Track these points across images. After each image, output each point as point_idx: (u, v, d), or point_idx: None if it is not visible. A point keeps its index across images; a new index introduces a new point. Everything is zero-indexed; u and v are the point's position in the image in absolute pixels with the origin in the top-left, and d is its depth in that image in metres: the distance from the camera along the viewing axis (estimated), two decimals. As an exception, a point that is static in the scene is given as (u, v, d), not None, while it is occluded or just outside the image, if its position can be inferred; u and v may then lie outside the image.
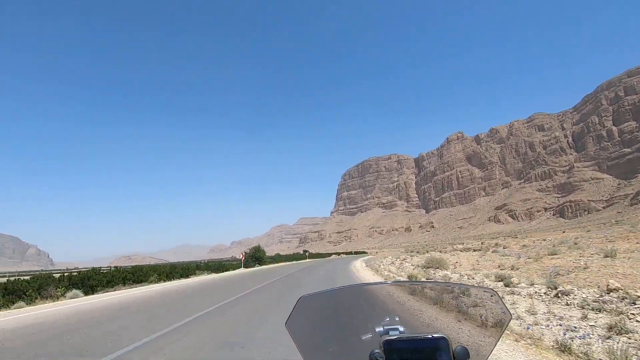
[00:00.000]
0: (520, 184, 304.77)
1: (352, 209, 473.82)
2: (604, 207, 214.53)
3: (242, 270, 33.53)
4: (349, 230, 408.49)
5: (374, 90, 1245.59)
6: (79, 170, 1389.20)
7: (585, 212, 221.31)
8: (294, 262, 59.41)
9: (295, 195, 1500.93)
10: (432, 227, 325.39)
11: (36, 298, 13.14)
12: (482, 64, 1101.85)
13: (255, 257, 44.64)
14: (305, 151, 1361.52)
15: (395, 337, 1.23)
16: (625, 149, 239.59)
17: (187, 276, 24.21)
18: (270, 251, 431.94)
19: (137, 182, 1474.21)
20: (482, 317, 1.52)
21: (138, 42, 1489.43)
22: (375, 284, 1.61)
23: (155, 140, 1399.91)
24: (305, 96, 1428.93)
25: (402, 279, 16.76)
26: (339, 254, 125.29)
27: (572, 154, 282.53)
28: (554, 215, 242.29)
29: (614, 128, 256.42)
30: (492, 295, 1.44)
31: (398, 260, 35.81)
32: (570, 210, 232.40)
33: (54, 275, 16.31)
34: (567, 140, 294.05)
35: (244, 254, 46.02)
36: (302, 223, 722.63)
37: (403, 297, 1.64)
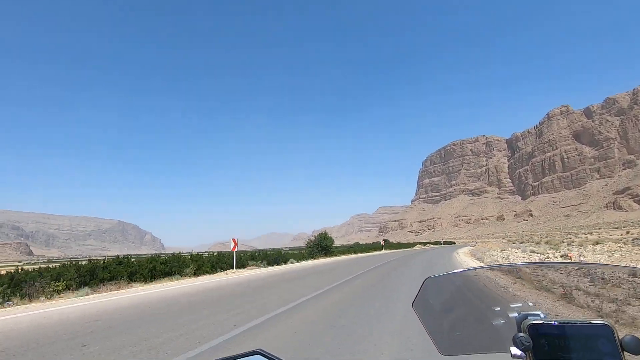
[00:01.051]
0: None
1: (435, 196, 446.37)
2: None
3: (303, 264, 28.69)
4: (432, 219, 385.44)
5: (459, 60, 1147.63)
6: (188, 167, 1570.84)
7: None
8: (371, 253, 49.92)
9: (375, 184, 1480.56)
10: (531, 215, 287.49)
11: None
12: (592, 22, 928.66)
13: (322, 246, 37.99)
14: (385, 136, 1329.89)
15: (543, 321, 1.04)
16: None
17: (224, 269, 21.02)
18: (349, 240, 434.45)
19: (234, 175, 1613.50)
20: (630, 301, 1.33)
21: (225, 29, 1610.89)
22: (506, 265, 1.49)
23: (247, 137, 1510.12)
24: (386, 74, 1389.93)
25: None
26: (424, 243, 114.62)
27: None
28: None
29: None
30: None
31: (532, 254, 25.17)
32: None
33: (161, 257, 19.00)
34: None
35: (308, 240, 40.20)
36: (381, 212, 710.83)
37: (536, 282, 1.46)
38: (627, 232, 53.86)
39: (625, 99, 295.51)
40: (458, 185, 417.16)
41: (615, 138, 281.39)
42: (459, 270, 1.40)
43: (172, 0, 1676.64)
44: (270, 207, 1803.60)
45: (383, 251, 57.45)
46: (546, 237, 73.85)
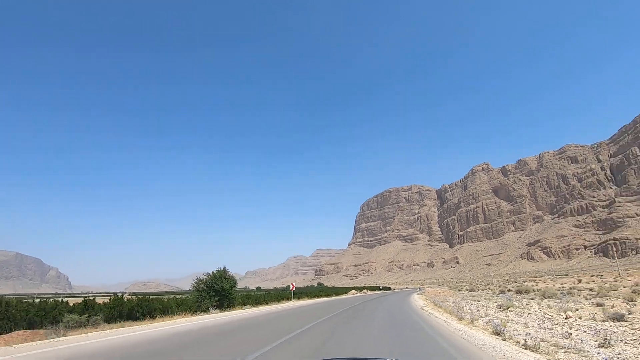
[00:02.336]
0: (553, 218, 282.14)
1: (370, 241, 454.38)
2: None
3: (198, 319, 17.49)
4: (367, 263, 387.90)
5: (395, 122, 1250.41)
6: (100, 197, 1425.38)
7: (633, 251, 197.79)
8: (286, 304, 32.69)
9: (313, 226, 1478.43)
10: (457, 262, 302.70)
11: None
12: (507, 94, 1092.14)
13: (215, 289, 23.27)
14: (324, 181, 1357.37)
15: None
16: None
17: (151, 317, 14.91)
18: (284, 283, 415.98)
19: (154, 209, 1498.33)
20: None
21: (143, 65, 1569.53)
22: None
23: (173, 169, 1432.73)
24: (326, 128, 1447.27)
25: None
26: (360, 288, 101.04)
27: (611, 188, 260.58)
28: (595, 253, 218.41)
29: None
30: None
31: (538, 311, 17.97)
32: (615, 249, 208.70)
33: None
34: (605, 173, 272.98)
35: (197, 281, 24.86)
36: (318, 254, 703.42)
37: None
38: (579, 281, 54.45)
39: (533, 162, 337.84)
40: (392, 231, 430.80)
41: (526, 195, 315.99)
42: (351, 358, 1.92)
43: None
44: (200, 246, 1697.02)
45: (300, 302, 35.87)
46: (498, 284, 74.13)
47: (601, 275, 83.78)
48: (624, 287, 34.22)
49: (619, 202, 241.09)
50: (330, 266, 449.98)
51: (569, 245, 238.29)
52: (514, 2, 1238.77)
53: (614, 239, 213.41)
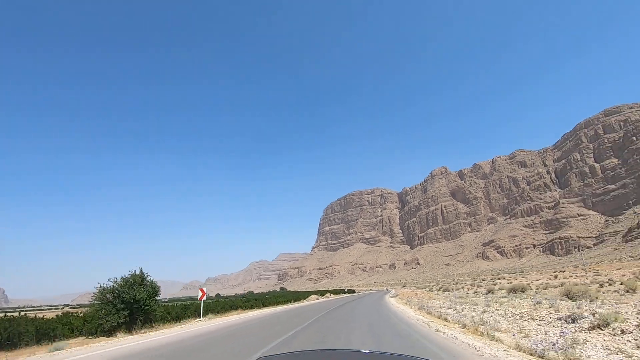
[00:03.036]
0: (506, 219, 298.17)
1: (334, 244, 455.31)
2: (594, 244, 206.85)
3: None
4: (331, 266, 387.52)
5: (359, 127, 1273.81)
6: (41, 202, 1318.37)
7: (576, 249, 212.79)
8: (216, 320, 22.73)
9: (276, 231, 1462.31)
10: (418, 263, 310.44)
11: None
12: (463, 100, 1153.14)
13: (125, 301, 16.39)
14: (287, 185, 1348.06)
15: None
16: (609, 186, 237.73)
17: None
18: (246, 288, 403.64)
19: (105, 214, 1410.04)
20: None
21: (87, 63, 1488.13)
22: (332, 350, 1.52)
23: (130, 171, 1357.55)
24: (290, 133, 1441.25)
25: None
26: (323, 292, 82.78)
27: (556, 190, 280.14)
28: (543, 252, 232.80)
29: (596, 165, 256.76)
30: None
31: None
32: (560, 247, 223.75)
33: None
34: (551, 177, 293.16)
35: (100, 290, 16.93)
36: (281, 259, 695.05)
37: None
38: (555, 277, 54.99)
39: (487, 166, 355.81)
40: (356, 234, 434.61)
41: (481, 197, 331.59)
42: (295, 352, 1.41)
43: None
44: (157, 253, 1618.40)
45: (239, 316, 24.67)
46: (460, 282, 73.86)
47: (584, 269, 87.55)
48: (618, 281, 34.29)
49: (563, 203, 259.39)
50: (294, 270, 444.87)
51: (520, 245, 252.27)
52: (468, 13, 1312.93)
53: (559, 237, 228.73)
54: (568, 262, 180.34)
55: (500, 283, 50.11)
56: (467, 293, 36.46)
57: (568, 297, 21.77)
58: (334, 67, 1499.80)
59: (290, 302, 45.78)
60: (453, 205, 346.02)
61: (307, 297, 60.16)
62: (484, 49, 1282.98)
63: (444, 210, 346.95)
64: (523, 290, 25.17)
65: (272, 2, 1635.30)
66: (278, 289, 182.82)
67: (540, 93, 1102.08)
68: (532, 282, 47.04)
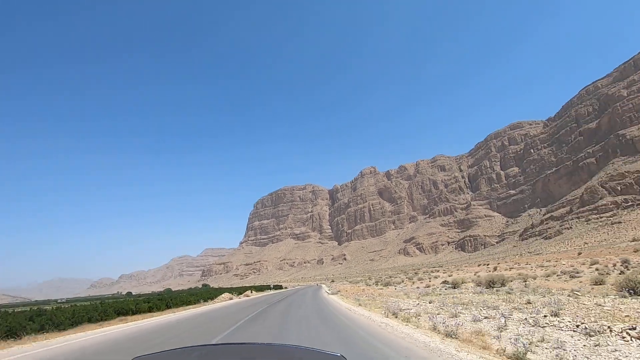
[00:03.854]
0: (425, 218, 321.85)
1: (263, 239, 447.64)
2: (497, 242, 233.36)
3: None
4: (259, 262, 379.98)
5: (291, 122, 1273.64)
6: None
7: (482, 246, 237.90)
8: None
9: (202, 224, 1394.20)
10: (345, 259, 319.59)
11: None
12: (392, 105, 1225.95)
13: None
14: (216, 179, 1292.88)
15: None
16: (510, 191, 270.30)
17: None
18: (165, 285, 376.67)
19: (9, 205, 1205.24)
20: None
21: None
22: (222, 345, 1.47)
23: (33, 165, 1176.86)
24: (218, 121, 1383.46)
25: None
26: (241, 290, 60.33)
27: (468, 193, 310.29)
28: (455, 248, 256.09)
29: (502, 172, 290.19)
30: None
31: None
32: (469, 245, 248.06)
33: None
34: (465, 181, 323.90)
35: None
36: (207, 254, 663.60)
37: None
38: (495, 268, 57.00)
39: (411, 168, 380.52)
40: (286, 229, 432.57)
41: (405, 197, 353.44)
42: (172, 350, 1.37)
43: None
44: (61, 251, 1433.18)
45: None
46: (377, 277, 74.33)
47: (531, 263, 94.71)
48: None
49: (473, 205, 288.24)
50: (220, 266, 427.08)
51: (436, 242, 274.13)
52: (398, 21, 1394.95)
53: (469, 236, 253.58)
54: (476, 257, 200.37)
55: (437, 276, 51.32)
56: (429, 287, 33.75)
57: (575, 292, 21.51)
58: (269, 66, 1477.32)
59: (188, 305, 31.63)
60: (380, 203, 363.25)
61: (218, 295, 44.22)
62: (411, 58, 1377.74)
63: (372, 208, 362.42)
64: (503, 283, 22.99)
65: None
66: (201, 286, 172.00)
67: (460, 103, 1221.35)
68: (468, 275, 49.01)
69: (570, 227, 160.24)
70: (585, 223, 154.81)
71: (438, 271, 78.44)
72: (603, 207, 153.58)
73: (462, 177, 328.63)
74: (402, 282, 48.80)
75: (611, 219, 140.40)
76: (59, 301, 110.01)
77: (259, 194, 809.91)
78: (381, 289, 36.64)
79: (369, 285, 45.31)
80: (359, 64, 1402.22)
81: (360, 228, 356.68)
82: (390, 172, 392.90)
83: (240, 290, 57.49)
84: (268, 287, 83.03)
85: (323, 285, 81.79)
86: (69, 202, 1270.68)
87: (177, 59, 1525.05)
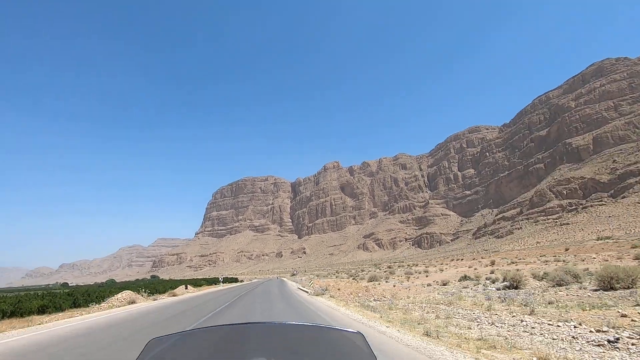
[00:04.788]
0: (385, 215, 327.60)
1: (220, 230, 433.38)
2: (451, 240, 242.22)
3: None
4: (215, 253, 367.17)
5: (254, 112, 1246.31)
6: None
7: (438, 244, 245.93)
8: None
9: (155, 213, 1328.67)
10: (304, 253, 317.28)
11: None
12: (355, 100, 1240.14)
13: None
14: (172, 167, 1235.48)
15: None
16: (466, 191, 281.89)
17: None
18: (112, 276, 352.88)
19: None
20: (348, 358, 1.51)
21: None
22: (244, 324, 1.55)
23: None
24: (180, 104, 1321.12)
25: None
26: (179, 284, 47.34)
27: (427, 192, 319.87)
28: (413, 245, 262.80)
29: (459, 173, 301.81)
30: (359, 338, 1.41)
31: None
32: (426, 242, 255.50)
33: None
34: (424, 180, 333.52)
35: None
36: (159, 244, 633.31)
37: (278, 339, 1.56)
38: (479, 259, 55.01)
39: (374, 165, 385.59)
40: (245, 221, 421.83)
41: (367, 193, 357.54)
42: (189, 330, 1.43)
43: None
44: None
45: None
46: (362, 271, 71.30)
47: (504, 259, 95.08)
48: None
49: (431, 204, 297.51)
50: (172, 257, 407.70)
51: (395, 238, 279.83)
52: (366, 14, 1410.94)
53: (426, 233, 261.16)
54: (433, 254, 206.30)
55: (426, 271, 48.59)
56: (445, 284, 26.31)
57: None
58: (233, 45, 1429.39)
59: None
60: (341, 198, 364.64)
61: (109, 296, 24.74)
62: (378, 54, 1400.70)
63: (333, 203, 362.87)
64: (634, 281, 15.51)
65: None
66: (149, 277, 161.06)
67: (423, 104, 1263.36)
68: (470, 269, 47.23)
69: (521, 228, 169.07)
70: (534, 224, 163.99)
71: (418, 265, 77.07)
72: (550, 209, 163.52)
73: (422, 176, 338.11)
74: (389, 277, 44.45)
75: (557, 220, 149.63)
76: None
77: (218, 184, 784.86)
78: (371, 284, 30.08)
79: (343, 280, 37.36)
80: (323, 55, 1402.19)
81: (321, 222, 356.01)
82: (353, 168, 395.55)
83: (172, 284, 42.81)
84: (216, 280, 67.37)
85: (286, 280, 70.80)
86: (6, 184, 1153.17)
87: (132, 30, 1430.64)
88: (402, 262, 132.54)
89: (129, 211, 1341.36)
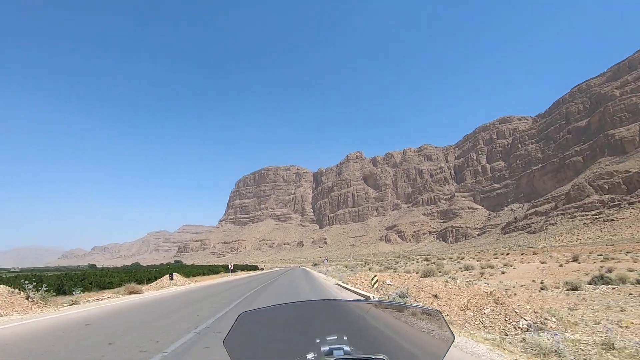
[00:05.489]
0: (408, 207, 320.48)
1: (243, 218, 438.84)
2: (478, 234, 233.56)
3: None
4: (237, 241, 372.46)
5: (278, 102, 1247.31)
6: None
7: (464, 238, 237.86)
8: None
9: (180, 200, 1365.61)
10: (325, 243, 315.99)
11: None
12: (381, 87, 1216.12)
13: None
14: (198, 154, 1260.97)
15: (337, 357, 1.27)
16: (495, 184, 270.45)
17: None
18: (139, 259, 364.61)
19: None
20: (426, 336, 1.52)
21: None
22: (323, 301, 1.60)
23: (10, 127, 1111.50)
24: (208, 94, 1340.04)
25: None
26: (164, 270, 37.20)
27: (453, 185, 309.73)
28: (437, 238, 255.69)
29: (488, 165, 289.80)
30: (435, 316, 1.44)
31: None
32: (451, 235, 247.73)
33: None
34: (450, 172, 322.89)
35: None
36: (184, 231, 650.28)
37: (353, 316, 1.58)
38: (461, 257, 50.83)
39: (398, 156, 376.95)
40: (267, 210, 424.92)
41: (390, 184, 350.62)
42: (275, 304, 1.45)
43: None
44: (30, 217, 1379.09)
45: None
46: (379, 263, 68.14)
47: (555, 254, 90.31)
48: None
49: (457, 196, 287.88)
50: (196, 243, 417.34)
51: (418, 231, 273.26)
52: (398, 6, 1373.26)
53: (452, 226, 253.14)
54: (459, 248, 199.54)
55: (490, 266, 42.86)
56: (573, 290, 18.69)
57: None
58: (259, 33, 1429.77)
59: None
60: (364, 189, 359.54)
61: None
62: (405, 45, 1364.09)
63: (355, 194, 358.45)
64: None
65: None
66: (173, 262, 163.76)
67: (451, 94, 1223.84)
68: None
69: (556, 223, 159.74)
70: (570, 220, 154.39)
71: (477, 259, 70.94)
72: (590, 204, 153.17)
73: (448, 167, 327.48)
74: (440, 272, 35.05)
75: (598, 217, 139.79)
76: (11, 270, 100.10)
77: (242, 173, 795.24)
78: (445, 282, 18.89)
79: (399, 274, 23.97)
80: (350, 43, 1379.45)
81: (343, 213, 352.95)
82: (377, 159, 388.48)
83: (202, 271, 39.05)
84: (225, 268, 54.52)
85: (309, 270, 63.99)
86: (45, 167, 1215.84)
87: (162, 24, 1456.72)
88: (428, 255, 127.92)
89: (157, 197, 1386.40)
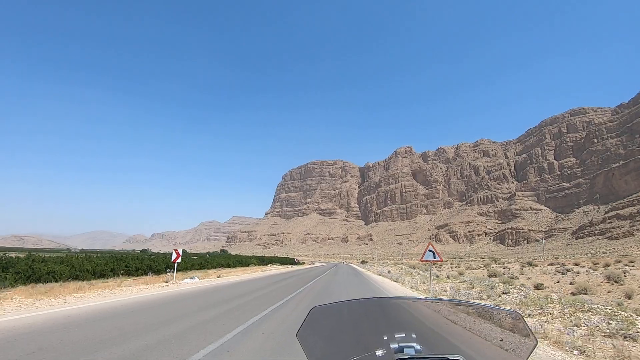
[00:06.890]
0: (461, 205, 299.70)
1: (288, 211, 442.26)
2: (542, 238, 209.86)
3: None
4: (282, 234, 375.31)
5: (327, 94, 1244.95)
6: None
7: (525, 241, 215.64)
8: None
9: (231, 192, 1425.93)
10: (371, 240, 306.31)
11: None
12: (431, 85, 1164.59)
13: None
14: (246, 148, 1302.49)
15: (409, 356, 1.24)
16: (564, 184, 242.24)
17: None
18: (192, 248, 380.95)
19: (54, 159, 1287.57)
20: (505, 340, 1.43)
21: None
22: (392, 298, 1.58)
23: (74, 112, 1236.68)
24: (256, 90, 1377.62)
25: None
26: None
27: (513, 183, 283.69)
28: (494, 240, 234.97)
29: (555, 162, 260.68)
30: (516, 318, 1.37)
31: None
32: (510, 238, 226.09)
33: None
34: (510, 169, 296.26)
35: None
36: (234, 222, 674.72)
37: (422, 314, 1.56)
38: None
39: (451, 151, 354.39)
40: (312, 204, 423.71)
41: (441, 181, 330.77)
42: (346, 300, 1.50)
43: None
44: (100, 202, 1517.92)
45: None
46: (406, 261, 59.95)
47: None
48: None
49: (518, 196, 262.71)
50: (244, 234, 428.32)
51: (472, 231, 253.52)
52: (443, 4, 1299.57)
53: (511, 228, 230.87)
54: (518, 252, 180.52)
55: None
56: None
57: None
58: (306, 28, 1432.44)
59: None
60: (413, 185, 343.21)
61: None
62: (462, 39, 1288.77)
63: (403, 190, 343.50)
64: None
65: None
66: (219, 251, 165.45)
67: (510, 87, 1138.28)
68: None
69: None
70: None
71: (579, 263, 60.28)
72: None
73: (508, 164, 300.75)
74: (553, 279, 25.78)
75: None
76: (72, 250, 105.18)
77: (288, 166, 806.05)
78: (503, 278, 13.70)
79: (485, 265, 20.16)
80: (403, 38, 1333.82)
81: (390, 209, 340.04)
82: (427, 154, 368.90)
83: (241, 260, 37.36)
84: (258, 260, 48.28)
85: (358, 268, 56.30)
86: (114, 156, 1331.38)
87: (208, 20, 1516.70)
88: (484, 257, 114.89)
89: (210, 188, 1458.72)
